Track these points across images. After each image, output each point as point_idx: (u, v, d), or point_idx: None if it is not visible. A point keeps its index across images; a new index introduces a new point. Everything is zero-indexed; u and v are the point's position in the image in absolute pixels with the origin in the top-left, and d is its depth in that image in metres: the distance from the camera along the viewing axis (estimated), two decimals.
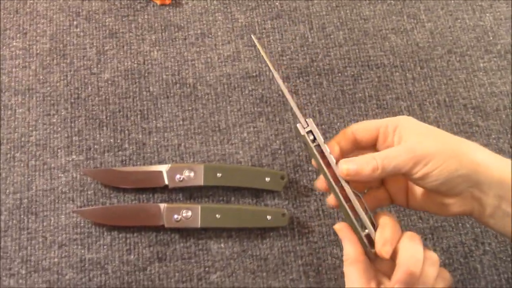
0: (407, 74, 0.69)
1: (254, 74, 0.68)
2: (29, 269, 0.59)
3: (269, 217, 0.60)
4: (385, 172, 0.43)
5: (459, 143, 0.45)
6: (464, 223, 0.63)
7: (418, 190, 0.48)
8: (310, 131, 0.46)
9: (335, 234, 0.61)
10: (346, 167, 0.44)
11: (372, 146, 0.48)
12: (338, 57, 0.70)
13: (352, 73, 0.69)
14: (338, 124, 0.66)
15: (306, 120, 0.46)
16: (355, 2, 0.73)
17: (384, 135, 0.47)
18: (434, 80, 0.69)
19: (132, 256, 0.60)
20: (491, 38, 0.72)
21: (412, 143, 0.44)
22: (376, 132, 0.47)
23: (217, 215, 0.60)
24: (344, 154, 0.47)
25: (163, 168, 0.61)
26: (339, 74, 0.69)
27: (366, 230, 0.44)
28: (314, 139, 0.45)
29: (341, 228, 0.46)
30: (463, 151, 0.43)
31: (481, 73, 0.70)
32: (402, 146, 0.44)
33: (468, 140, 0.45)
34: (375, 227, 0.44)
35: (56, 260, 0.60)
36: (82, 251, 0.60)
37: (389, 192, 0.50)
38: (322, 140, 0.45)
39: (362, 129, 0.48)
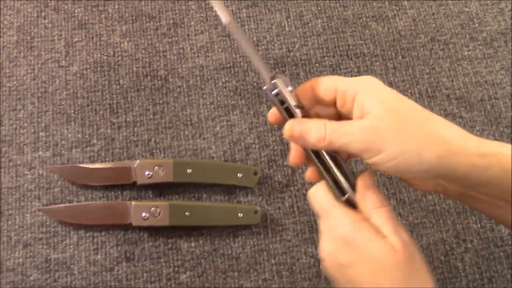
0: (388, 64, 0.66)
1: (228, 65, 0.66)
2: None
3: (240, 215, 0.58)
4: (332, 147, 0.39)
5: (428, 124, 0.39)
6: (445, 219, 0.60)
7: None
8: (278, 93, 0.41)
9: (310, 231, 0.59)
10: (290, 127, 0.40)
11: (334, 105, 0.42)
12: (316, 47, 0.67)
13: (331, 63, 0.66)
14: None
15: (275, 80, 0.41)
16: None
17: (342, 99, 0.40)
18: (416, 70, 0.66)
19: (99, 256, 0.58)
20: (477, 25, 0.69)
21: (369, 122, 0.38)
22: (335, 94, 0.41)
23: (186, 213, 0.57)
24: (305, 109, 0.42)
25: (132, 164, 0.59)
26: (317, 65, 0.66)
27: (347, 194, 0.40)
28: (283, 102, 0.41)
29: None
30: (430, 136, 0.38)
31: (465, 62, 0.67)
32: (357, 124, 0.39)
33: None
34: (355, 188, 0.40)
35: (20, 260, 0.58)
36: (48, 251, 0.58)
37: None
38: (292, 103, 0.40)
39: (321, 86, 0.42)
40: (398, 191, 0.61)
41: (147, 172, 0.59)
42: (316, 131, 0.39)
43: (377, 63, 0.66)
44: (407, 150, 0.37)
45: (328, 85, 0.41)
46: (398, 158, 0.37)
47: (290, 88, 0.41)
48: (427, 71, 0.66)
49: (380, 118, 0.38)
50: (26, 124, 0.63)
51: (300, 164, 0.43)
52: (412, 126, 0.38)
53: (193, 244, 0.59)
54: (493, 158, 0.38)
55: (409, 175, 0.40)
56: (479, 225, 0.60)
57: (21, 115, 0.63)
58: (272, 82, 0.41)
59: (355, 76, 0.64)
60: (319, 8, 0.69)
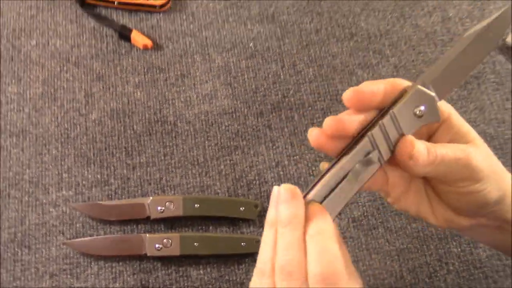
0: None
1: (230, 111, 0.73)
2: None
3: (244, 244, 0.65)
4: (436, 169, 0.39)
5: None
6: (428, 244, 0.67)
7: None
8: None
9: None
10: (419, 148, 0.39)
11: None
12: (309, 92, 0.75)
13: (322, 106, 0.74)
14: (309, 155, 0.71)
15: None
16: (323, 41, 0.78)
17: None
18: None
19: (117, 284, 0.64)
20: None
21: (470, 150, 0.40)
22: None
23: (195, 243, 0.64)
24: None
25: (146, 200, 0.66)
26: (310, 108, 0.74)
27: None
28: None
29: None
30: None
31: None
32: (459, 148, 0.40)
33: None
34: None
35: None
36: (71, 280, 0.65)
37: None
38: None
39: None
40: (385, 220, 0.68)
41: (159, 208, 0.66)
42: (425, 152, 0.39)
43: None
44: (499, 188, 0.41)
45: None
46: (490, 187, 0.40)
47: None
48: None
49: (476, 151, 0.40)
50: (50, 167, 0.70)
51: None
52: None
53: (201, 272, 0.65)
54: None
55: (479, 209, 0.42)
56: (459, 249, 0.66)
57: (46, 159, 0.70)
58: None
59: None
60: (311, 58, 0.77)
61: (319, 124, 0.71)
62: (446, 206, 0.44)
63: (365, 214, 0.68)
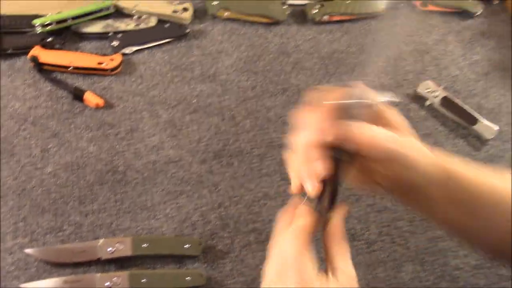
0: None
1: (176, 159, 0.81)
2: None
3: (188, 278, 0.70)
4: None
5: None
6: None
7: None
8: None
9: None
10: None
11: None
12: (246, 141, 0.84)
13: (259, 153, 0.83)
14: (248, 196, 0.78)
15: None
16: (259, 96, 0.88)
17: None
18: None
19: None
20: None
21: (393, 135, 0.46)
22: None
23: (143, 280, 0.69)
24: None
25: (97, 243, 0.72)
26: (247, 155, 0.82)
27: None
28: None
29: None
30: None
31: None
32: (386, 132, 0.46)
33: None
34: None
35: None
36: None
37: None
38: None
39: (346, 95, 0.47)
40: None
41: (109, 249, 0.71)
42: (362, 133, 0.45)
43: None
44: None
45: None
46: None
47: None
48: None
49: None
50: (7, 216, 0.75)
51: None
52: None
53: None
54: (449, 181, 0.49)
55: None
56: (385, 274, 0.74)
57: (3, 209, 0.75)
58: None
59: (279, 162, 0.80)
60: (248, 111, 0.86)
61: (256, 169, 0.79)
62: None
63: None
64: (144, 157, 0.81)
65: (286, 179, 0.80)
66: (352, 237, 0.76)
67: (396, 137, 0.47)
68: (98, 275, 0.70)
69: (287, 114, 0.87)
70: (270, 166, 0.81)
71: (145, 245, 0.72)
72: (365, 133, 0.45)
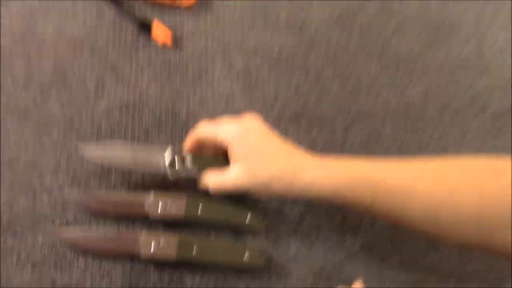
0: (399, 128, 0.70)
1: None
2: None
3: (246, 256, 0.59)
4: (224, 192, 0.59)
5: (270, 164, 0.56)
6: (447, 281, 0.61)
7: None
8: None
9: (314, 278, 0.60)
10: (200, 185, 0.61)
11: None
12: (330, 106, 0.71)
13: (344, 123, 0.70)
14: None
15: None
16: (351, 57, 0.75)
17: (221, 146, 0.59)
18: (423, 135, 0.70)
19: (104, 284, 0.59)
20: (485, 100, 0.73)
21: (234, 172, 0.57)
22: (215, 143, 0.59)
23: (194, 249, 0.59)
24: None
25: (146, 197, 0.61)
26: (330, 123, 0.70)
27: None
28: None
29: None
30: (269, 175, 0.55)
31: (471, 134, 0.71)
32: (228, 176, 0.58)
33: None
34: None
35: (27, 279, 0.59)
36: (55, 273, 0.59)
37: None
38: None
39: (205, 138, 0.60)
40: (400, 247, 0.63)
41: (159, 207, 0.61)
42: (208, 184, 0.59)
43: (388, 126, 0.70)
44: (258, 187, 0.56)
45: (208, 136, 0.60)
46: (256, 191, 0.57)
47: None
48: (437, 136, 0.70)
49: (241, 164, 0.57)
50: (49, 151, 0.65)
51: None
52: (263, 166, 0.56)
53: (197, 280, 0.60)
54: (313, 186, 0.54)
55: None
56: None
57: (45, 143, 0.66)
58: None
59: (367, 136, 0.67)
60: (336, 73, 0.74)
61: (338, 141, 0.67)
62: None
63: (380, 239, 0.63)
64: (211, 106, 0.70)
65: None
66: None
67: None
68: (143, 234, 0.59)
69: (381, 82, 0.74)
70: (356, 140, 0.69)
71: (200, 208, 0.61)
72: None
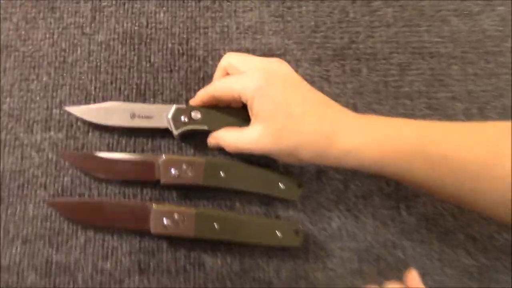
0: (468, 69, 0.56)
1: (278, 53, 0.56)
2: None
3: (279, 233, 0.49)
4: (240, 151, 0.48)
5: (306, 123, 0.44)
6: None
7: None
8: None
9: (360, 261, 0.50)
10: (208, 142, 0.51)
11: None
12: (384, 40, 0.56)
13: (400, 61, 0.56)
14: None
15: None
16: None
17: (237, 103, 0.49)
18: (500, 79, 0.55)
19: (108, 264, 0.49)
20: None
21: (256, 129, 0.46)
22: (233, 98, 0.48)
23: (215, 225, 0.48)
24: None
25: (156, 158, 0.50)
26: (383, 61, 0.56)
27: None
28: None
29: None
30: (303, 138, 0.44)
31: None
32: (249, 132, 0.47)
33: None
34: None
35: (18, 258, 0.49)
36: (49, 250, 0.49)
37: None
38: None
39: (221, 92, 0.48)
40: (468, 223, 0.51)
41: (173, 171, 0.49)
42: (224, 141, 0.48)
43: (455, 66, 0.56)
44: (284, 153, 0.45)
45: (225, 91, 0.48)
46: (281, 157, 0.46)
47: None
48: None
49: (264, 124, 0.45)
50: (38, 98, 0.54)
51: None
52: (289, 127, 0.44)
53: (219, 262, 0.50)
54: (351, 154, 0.43)
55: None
56: None
57: (33, 87, 0.54)
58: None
59: (428, 79, 0.53)
60: None
61: (393, 84, 0.53)
62: None
63: (442, 212, 0.52)
64: (234, 41, 0.56)
65: (433, 107, 0.55)
66: None
67: None
68: (153, 205, 0.49)
69: (450, 8, 0.58)
70: (415, 83, 0.55)
71: (222, 173, 0.50)
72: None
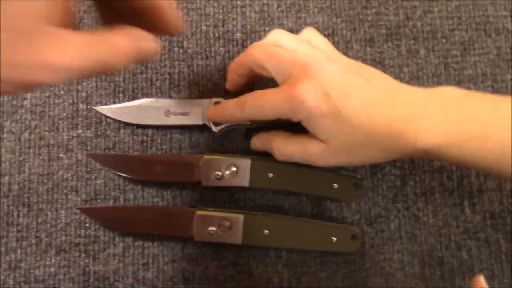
0: None
1: (326, 33, 0.50)
2: (18, 279, 0.46)
3: (334, 239, 0.45)
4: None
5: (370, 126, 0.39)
6: None
7: None
8: None
9: (421, 265, 0.46)
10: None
11: None
12: (444, 15, 0.50)
13: (462, 39, 0.50)
14: None
15: None
16: None
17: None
18: None
19: (149, 273, 0.46)
20: None
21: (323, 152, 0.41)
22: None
23: (265, 231, 0.44)
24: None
25: (197, 159, 0.45)
26: (444, 40, 0.50)
27: None
28: None
29: None
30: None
31: None
32: (313, 151, 0.41)
33: None
34: None
35: (52, 269, 0.46)
36: (86, 260, 0.46)
37: None
38: None
39: (264, 62, 0.41)
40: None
41: (216, 172, 0.45)
42: (280, 152, 0.43)
43: None
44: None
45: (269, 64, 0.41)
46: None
47: None
48: None
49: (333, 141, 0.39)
50: (62, 92, 0.49)
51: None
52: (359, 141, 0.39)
53: (269, 270, 0.46)
54: (429, 154, 0.39)
55: None
56: None
57: None
58: None
59: (494, 60, 0.48)
60: None
61: (455, 66, 0.48)
62: None
63: (510, 208, 0.47)
64: (276, 21, 0.50)
65: (500, 91, 0.49)
66: None
67: None
68: (196, 211, 0.45)
69: None
70: (479, 64, 0.49)
71: (270, 174, 0.45)
72: None
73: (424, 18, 0.50)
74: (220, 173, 0.45)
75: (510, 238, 0.46)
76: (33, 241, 0.46)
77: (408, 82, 0.49)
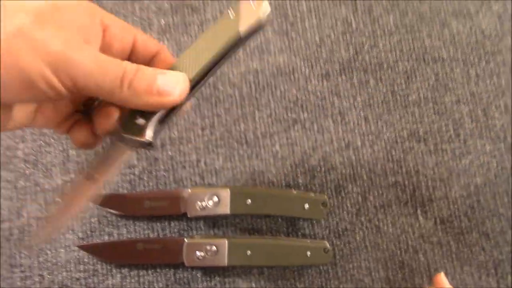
0: (470, 71, 0.57)
1: (286, 71, 0.56)
2: None
3: (308, 253, 0.51)
4: None
5: None
6: None
7: None
8: None
9: (384, 269, 0.53)
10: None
11: None
12: (388, 49, 0.58)
13: (405, 68, 0.57)
14: (388, 134, 0.55)
15: None
16: None
17: None
18: (501, 78, 0.58)
19: None
20: None
21: None
22: None
23: (247, 252, 0.50)
24: None
25: (182, 193, 0.51)
26: (389, 71, 0.57)
27: None
28: None
29: None
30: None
31: None
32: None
33: None
34: None
35: None
36: None
37: None
38: None
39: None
40: (481, 222, 0.54)
41: (199, 203, 0.51)
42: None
43: (457, 69, 0.57)
44: None
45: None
46: None
47: None
48: None
49: None
50: (52, 140, 0.53)
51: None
52: None
53: (253, 285, 0.52)
54: None
55: None
56: None
57: (46, 130, 0.53)
58: None
59: (433, 85, 0.55)
60: (391, 2, 0.59)
61: (401, 93, 0.55)
62: None
63: (456, 213, 0.54)
64: (242, 63, 0.56)
65: (441, 112, 0.57)
66: None
67: None
68: (186, 240, 0.50)
69: (448, 10, 0.59)
70: (421, 89, 0.57)
71: (249, 201, 0.51)
72: None
73: (371, 52, 0.57)
74: (203, 204, 0.51)
75: (458, 239, 0.54)
76: (37, 279, 0.51)
77: (362, 110, 0.56)
